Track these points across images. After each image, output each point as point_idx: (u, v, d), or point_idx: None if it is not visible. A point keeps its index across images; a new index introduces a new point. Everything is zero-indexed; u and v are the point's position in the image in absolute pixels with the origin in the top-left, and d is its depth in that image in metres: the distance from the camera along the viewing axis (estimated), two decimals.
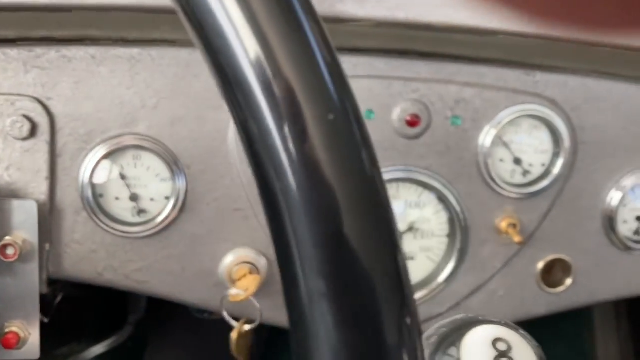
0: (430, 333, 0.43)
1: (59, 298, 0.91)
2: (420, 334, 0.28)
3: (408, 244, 0.71)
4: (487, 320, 0.42)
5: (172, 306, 1.21)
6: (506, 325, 0.42)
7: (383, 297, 0.24)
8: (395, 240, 0.26)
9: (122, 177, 0.64)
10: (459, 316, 0.43)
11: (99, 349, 1.07)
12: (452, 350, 0.40)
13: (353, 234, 0.24)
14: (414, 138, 0.67)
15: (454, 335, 0.41)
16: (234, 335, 0.66)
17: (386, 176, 0.67)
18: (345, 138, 0.24)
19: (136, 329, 1.11)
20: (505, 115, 0.67)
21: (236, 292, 0.63)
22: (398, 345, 0.25)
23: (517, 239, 0.68)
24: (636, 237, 0.75)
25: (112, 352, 1.09)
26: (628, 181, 0.72)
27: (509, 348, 0.40)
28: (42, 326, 1.09)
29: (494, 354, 0.40)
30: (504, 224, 0.70)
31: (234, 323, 0.66)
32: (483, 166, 0.68)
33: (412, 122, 0.66)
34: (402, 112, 0.66)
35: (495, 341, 0.40)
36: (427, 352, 0.41)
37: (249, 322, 0.67)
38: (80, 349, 1.11)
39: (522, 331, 0.42)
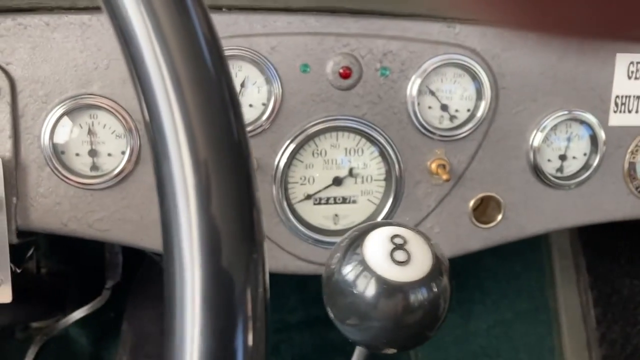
0: (344, 237, 0.49)
1: (30, 251, 0.97)
2: (265, 271, 0.31)
3: (350, 188, 0.78)
4: (387, 222, 0.49)
5: (146, 270, 1.27)
6: (404, 226, 0.48)
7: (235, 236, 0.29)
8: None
9: (89, 132, 0.70)
10: (367, 223, 0.50)
11: (79, 313, 1.14)
12: (358, 249, 0.47)
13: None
14: (347, 89, 0.73)
15: (361, 237, 0.48)
16: None
17: (325, 125, 0.74)
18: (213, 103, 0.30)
19: (113, 294, 1.18)
20: (430, 65, 0.74)
21: None
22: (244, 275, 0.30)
23: (445, 177, 0.74)
24: (559, 174, 0.82)
25: (92, 315, 1.15)
26: (549, 122, 0.79)
27: (405, 242, 0.47)
28: (29, 299, 1.15)
29: (391, 247, 0.46)
30: (434, 165, 0.77)
31: None
32: (412, 113, 0.75)
33: (345, 74, 0.72)
34: (334, 65, 0.72)
35: (393, 237, 0.47)
36: (339, 255, 0.48)
37: None
38: (63, 316, 1.17)
39: (418, 230, 0.49)
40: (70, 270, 1.23)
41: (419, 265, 0.46)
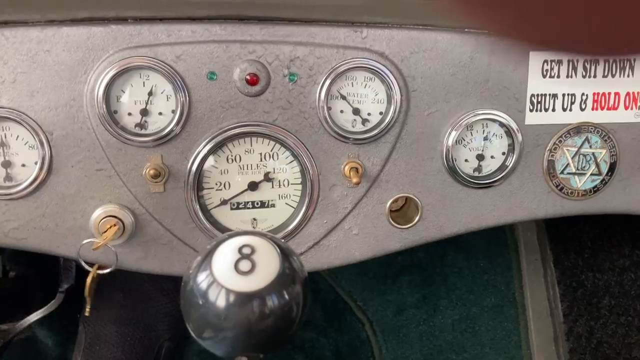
0: (203, 247, 0.51)
1: None
2: None
3: (267, 192, 0.79)
4: (243, 232, 0.50)
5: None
6: (260, 235, 0.50)
7: None
8: None
9: (2, 144, 0.72)
10: (224, 234, 0.51)
11: (34, 316, 1.16)
12: (208, 262, 0.48)
13: None
14: (256, 95, 0.75)
15: (213, 249, 0.49)
16: (88, 279, 0.75)
17: (236, 131, 0.75)
18: None
19: (67, 296, 1.20)
20: (337, 69, 0.75)
21: (89, 241, 0.71)
22: None
23: (355, 180, 0.75)
24: (477, 174, 0.82)
25: (48, 317, 1.18)
26: (463, 122, 0.79)
27: (253, 251, 0.48)
28: None
29: (237, 257, 0.48)
30: (347, 169, 0.78)
31: (88, 267, 0.75)
32: (323, 118, 0.76)
33: (252, 81, 0.74)
34: (241, 72, 0.73)
35: (241, 247, 0.48)
36: (195, 266, 0.49)
37: (102, 267, 0.76)
38: (19, 319, 1.20)
39: (272, 237, 0.50)
40: (34, 273, 1.25)
41: (263, 274, 0.47)
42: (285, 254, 0.49)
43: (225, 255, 0.47)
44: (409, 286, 1.44)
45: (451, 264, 1.49)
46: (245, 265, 0.46)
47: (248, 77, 0.73)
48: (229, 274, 0.46)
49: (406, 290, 1.45)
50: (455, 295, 1.46)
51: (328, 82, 0.75)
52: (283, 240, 0.51)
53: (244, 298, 0.46)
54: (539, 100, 0.81)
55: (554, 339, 1.40)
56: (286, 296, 0.48)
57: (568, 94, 0.81)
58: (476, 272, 1.49)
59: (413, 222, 0.82)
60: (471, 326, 1.48)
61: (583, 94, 0.82)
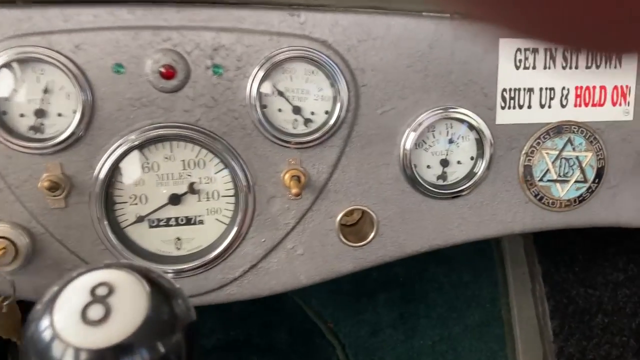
0: (50, 288, 0.38)
1: None
2: None
3: (193, 207, 0.67)
4: (99, 266, 0.38)
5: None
6: (119, 266, 0.37)
7: None
8: None
9: None
10: (77, 270, 0.39)
11: None
12: (49, 309, 0.36)
13: None
14: (174, 91, 0.63)
15: (58, 291, 0.37)
16: None
17: (151, 133, 0.63)
18: None
19: None
20: (272, 60, 0.63)
21: None
22: None
23: (294, 191, 0.63)
24: (441, 182, 0.71)
25: None
26: (424, 122, 0.68)
27: (111, 291, 0.36)
28: None
29: (88, 300, 0.35)
30: (287, 177, 0.66)
31: None
32: (256, 118, 0.64)
33: (168, 74, 0.62)
34: (154, 63, 0.61)
35: (95, 287, 0.36)
36: (30, 327, 0.36)
37: (5, 299, 0.63)
38: None
39: (142, 269, 0.38)
40: None
41: (123, 321, 0.35)
42: (158, 292, 0.37)
43: (71, 299, 0.35)
44: (386, 304, 1.32)
45: (431, 279, 1.38)
46: (96, 311, 0.34)
47: (162, 70, 0.61)
48: (75, 325, 0.34)
49: (382, 309, 1.32)
50: (435, 314, 1.34)
51: (261, 75, 0.63)
52: (163, 273, 0.38)
53: (95, 356, 0.34)
54: (512, 95, 0.69)
55: None
56: (160, 349, 0.35)
57: (546, 88, 0.69)
58: (459, 288, 1.35)
59: (368, 239, 0.70)
60: (453, 347, 1.36)
61: (564, 88, 0.70)
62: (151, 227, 0.67)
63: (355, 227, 0.73)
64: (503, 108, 0.69)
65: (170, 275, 0.66)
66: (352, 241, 0.70)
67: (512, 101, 0.69)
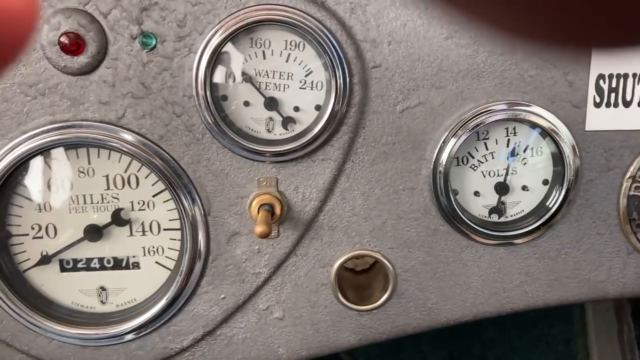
0: None
1: None
2: None
3: (124, 244, 0.46)
4: None
5: None
6: None
7: None
8: None
9: None
10: None
11: None
12: None
13: None
14: (83, 73, 0.42)
15: None
16: None
17: (53, 137, 0.43)
18: None
19: None
20: (231, 27, 0.41)
21: None
22: None
23: (259, 229, 0.41)
24: (496, 219, 0.46)
25: None
26: (471, 125, 0.44)
27: None
28: None
29: None
30: (255, 205, 0.43)
31: None
32: (207, 114, 0.42)
33: (72, 47, 0.41)
34: (52, 30, 0.41)
35: None
36: None
37: None
38: None
39: None
40: None
41: None
42: None
43: None
44: (431, 341, 1.14)
45: None
46: None
47: (65, 41, 0.40)
48: None
49: (426, 347, 1.15)
50: (493, 355, 1.16)
51: (215, 48, 0.41)
52: None
53: None
54: (613, 85, 0.44)
55: None
56: None
57: None
58: (523, 325, 1.16)
59: (380, 301, 0.46)
60: None
61: None
62: (63, 270, 0.46)
63: (364, 277, 0.50)
64: (598, 105, 0.44)
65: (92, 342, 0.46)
66: (356, 301, 0.46)
67: (612, 95, 0.44)
